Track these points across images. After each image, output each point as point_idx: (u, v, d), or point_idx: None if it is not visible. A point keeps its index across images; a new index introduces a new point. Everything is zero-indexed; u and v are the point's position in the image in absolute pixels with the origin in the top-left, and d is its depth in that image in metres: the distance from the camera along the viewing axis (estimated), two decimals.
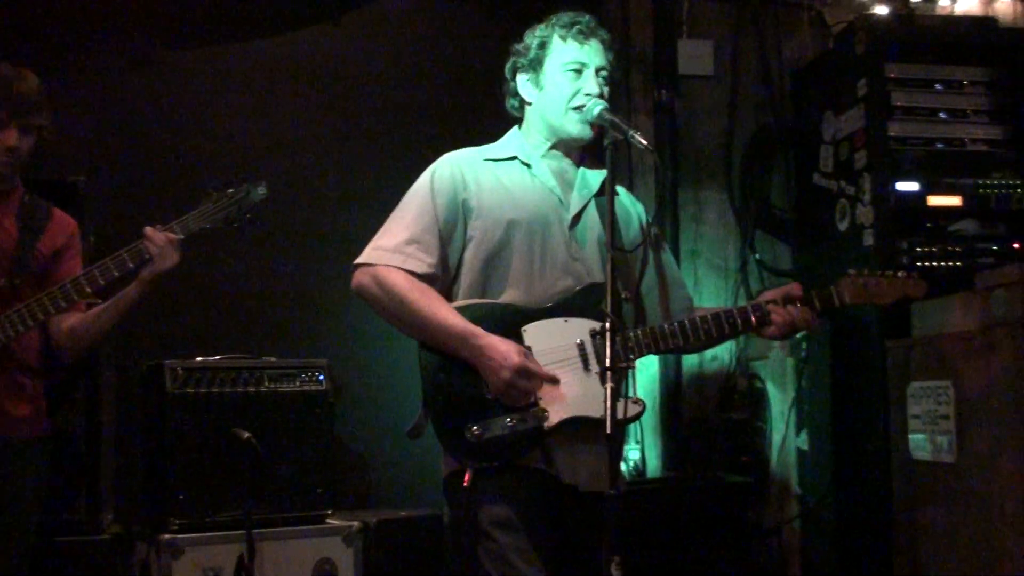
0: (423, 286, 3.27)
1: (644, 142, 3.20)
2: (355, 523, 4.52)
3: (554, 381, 3.17)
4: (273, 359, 4.63)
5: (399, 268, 3.27)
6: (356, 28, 5.53)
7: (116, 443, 4.54)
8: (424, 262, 3.29)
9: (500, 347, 3.15)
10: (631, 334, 3.24)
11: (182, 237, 3.76)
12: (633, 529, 4.63)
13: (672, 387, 5.58)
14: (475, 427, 3.15)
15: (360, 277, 3.33)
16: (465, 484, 3.14)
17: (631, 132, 3.22)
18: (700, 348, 3.55)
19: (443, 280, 3.34)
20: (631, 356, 3.21)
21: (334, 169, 5.43)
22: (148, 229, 3.72)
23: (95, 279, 3.68)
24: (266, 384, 4.55)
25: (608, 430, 2.67)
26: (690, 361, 5.71)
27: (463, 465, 3.18)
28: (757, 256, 5.79)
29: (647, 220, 3.60)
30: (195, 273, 5.06)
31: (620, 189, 3.55)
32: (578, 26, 3.41)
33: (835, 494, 5.02)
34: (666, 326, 3.28)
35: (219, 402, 4.46)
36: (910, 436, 4.47)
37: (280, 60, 5.42)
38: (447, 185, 3.36)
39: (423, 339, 3.26)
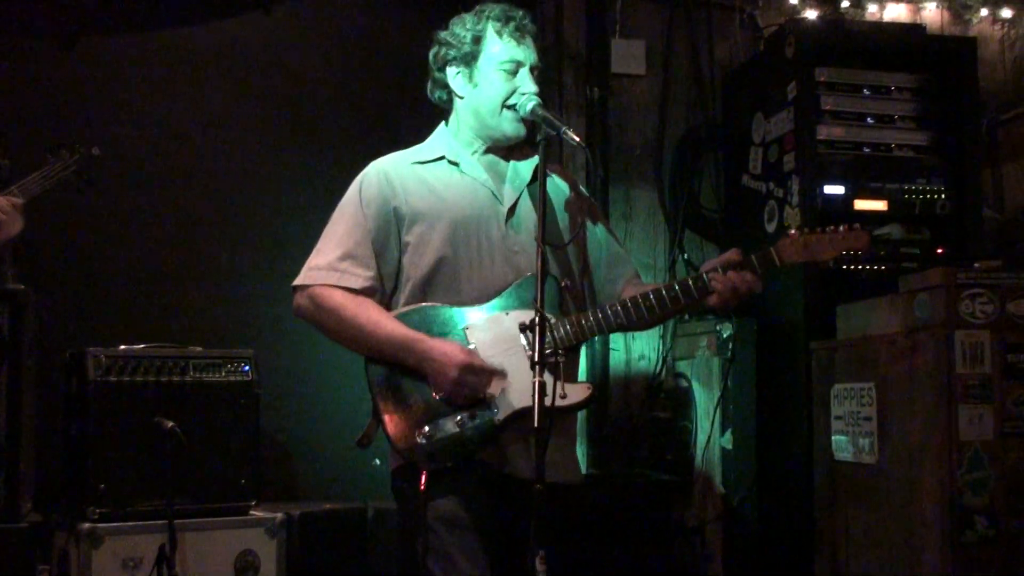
0: (360, 299, 3.25)
1: (576, 139, 3.19)
2: (278, 515, 4.49)
3: (501, 375, 3.15)
4: (199, 348, 4.58)
5: (335, 286, 3.25)
6: (288, 18, 5.48)
7: (37, 430, 4.46)
8: (361, 276, 3.27)
9: (443, 347, 3.14)
10: (566, 325, 3.19)
11: (24, 201, 3.71)
12: (556, 525, 4.64)
13: (598, 385, 5.58)
14: (426, 427, 3.14)
15: (298, 300, 3.32)
16: (422, 487, 3.10)
17: (564, 128, 3.20)
18: (647, 325, 3.49)
19: (382, 291, 3.32)
20: (567, 344, 3.18)
21: (263, 158, 5.39)
22: None
23: None
24: (191, 374, 4.49)
25: (536, 423, 2.67)
26: (616, 359, 5.72)
27: (414, 464, 3.15)
28: (685, 256, 5.81)
29: (584, 192, 3.59)
30: (121, 260, 5.07)
31: (554, 171, 3.52)
32: (513, 22, 3.36)
33: (758, 494, 5.05)
34: (608, 308, 3.22)
35: (142, 391, 4.39)
36: (833, 437, 4.52)
37: (209, 48, 5.37)
38: (375, 194, 3.33)
39: (367, 353, 3.24)
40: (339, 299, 3.24)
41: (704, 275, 3.23)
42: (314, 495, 5.12)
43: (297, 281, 3.32)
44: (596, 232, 3.56)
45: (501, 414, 3.13)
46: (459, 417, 3.13)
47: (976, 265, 4.02)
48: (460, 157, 3.40)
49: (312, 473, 5.25)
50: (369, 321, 3.21)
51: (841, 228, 3.32)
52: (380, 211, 3.32)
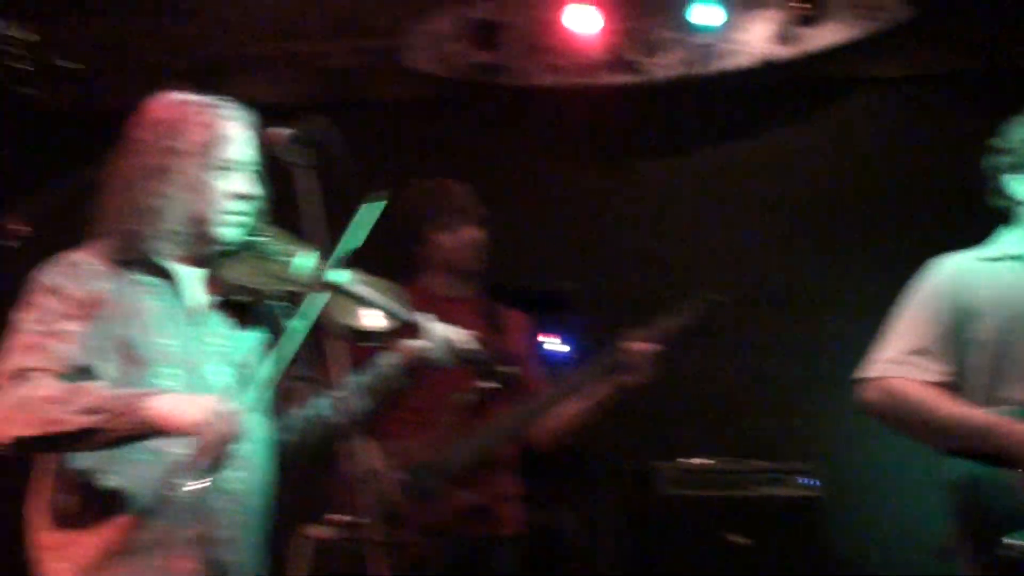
0: (934, 388, 3.06)
1: None
2: None
3: None
4: (763, 463, 4.54)
5: (906, 378, 3.10)
6: (824, 126, 5.43)
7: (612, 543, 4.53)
8: (930, 370, 3.08)
9: None
10: None
11: (659, 348, 3.66)
12: None
13: None
14: (1013, 541, 2.87)
15: (868, 393, 3.16)
16: None
17: None
18: None
19: (954, 389, 3.11)
20: None
21: (816, 272, 5.30)
22: (629, 344, 3.63)
23: (571, 386, 3.69)
24: (753, 488, 4.47)
25: None
26: None
27: None
28: None
29: None
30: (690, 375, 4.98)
31: None
32: None
33: None
34: None
35: (708, 506, 4.42)
36: None
37: (750, 162, 5.41)
38: (946, 290, 3.14)
39: (941, 443, 3.04)
40: (912, 387, 3.07)
41: None
42: None
43: (863, 373, 3.17)
44: None
45: None
46: None
47: None
48: None
49: None
50: (946, 407, 3.01)
51: None
52: (950, 308, 3.11)
